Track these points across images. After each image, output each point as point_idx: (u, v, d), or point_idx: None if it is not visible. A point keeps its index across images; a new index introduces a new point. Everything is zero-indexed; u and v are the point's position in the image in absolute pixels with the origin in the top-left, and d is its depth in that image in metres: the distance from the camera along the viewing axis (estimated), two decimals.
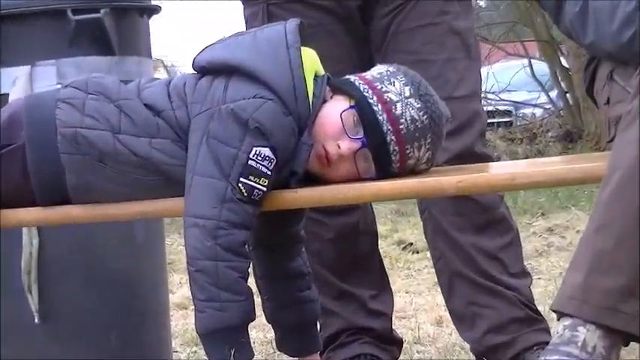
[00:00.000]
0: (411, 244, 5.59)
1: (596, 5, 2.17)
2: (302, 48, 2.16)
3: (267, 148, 2.09)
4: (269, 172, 2.10)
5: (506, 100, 12.86)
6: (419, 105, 2.16)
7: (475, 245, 2.77)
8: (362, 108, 2.15)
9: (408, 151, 2.15)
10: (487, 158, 2.77)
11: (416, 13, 2.75)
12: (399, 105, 2.14)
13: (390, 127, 2.13)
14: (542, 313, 2.84)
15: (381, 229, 3.79)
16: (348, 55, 2.78)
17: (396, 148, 2.14)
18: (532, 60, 12.58)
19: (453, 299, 2.84)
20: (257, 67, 2.13)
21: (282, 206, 2.16)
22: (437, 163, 2.32)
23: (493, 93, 12.15)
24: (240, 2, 2.87)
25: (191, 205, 2.11)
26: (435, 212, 2.79)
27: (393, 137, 2.13)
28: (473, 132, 2.75)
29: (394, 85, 2.17)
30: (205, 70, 2.20)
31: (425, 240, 2.94)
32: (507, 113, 13.39)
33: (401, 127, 2.14)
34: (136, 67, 2.93)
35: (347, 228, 2.89)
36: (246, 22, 2.84)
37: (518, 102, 13.16)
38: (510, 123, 13.15)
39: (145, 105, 2.18)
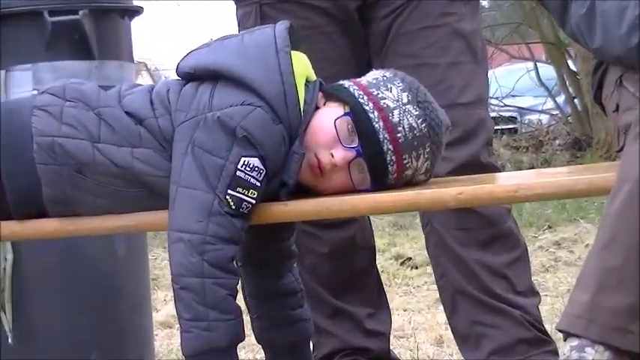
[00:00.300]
0: (410, 258, 5.58)
1: (604, 7, 2.16)
2: (292, 52, 2.15)
3: (256, 158, 2.09)
4: (258, 184, 2.09)
5: (511, 106, 12.88)
6: (417, 112, 2.15)
7: (479, 261, 2.76)
8: (357, 115, 2.14)
9: (405, 161, 2.15)
10: (493, 168, 2.76)
11: (417, 14, 2.74)
12: (396, 112, 2.14)
13: (386, 136, 2.13)
14: (549, 333, 2.84)
15: (378, 242, 3.79)
16: (344, 57, 2.77)
17: (393, 157, 2.14)
18: (538, 63, 12.60)
19: (456, 318, 2.83)
20: (245, 73, 2.12)
21: (272, 220, 2.15)
22: (440, 174, 2.31)
23: (496, 98, 12.16)
24: (233, 2, 2.87)
25: (176, 219, 2.10)
26: (437, 226, 2.78)
27: (389, 146, 2.13)
28: (478, 141, 2.74)
29: (391, 91, 2.16)
30: (190, 76, 2.19)
31: (424, 254, 2.95)
32: (512, 120, 13.41)
33: (398, 135, 2.13)
34: (116, 71, 2.93)
35: (343, 242, 2.88)
36: (238, 23, 2.84)
37: (523, 108, 13.18)
38: (515, 130, 13.16)
39: (127, 113, 2.18)
